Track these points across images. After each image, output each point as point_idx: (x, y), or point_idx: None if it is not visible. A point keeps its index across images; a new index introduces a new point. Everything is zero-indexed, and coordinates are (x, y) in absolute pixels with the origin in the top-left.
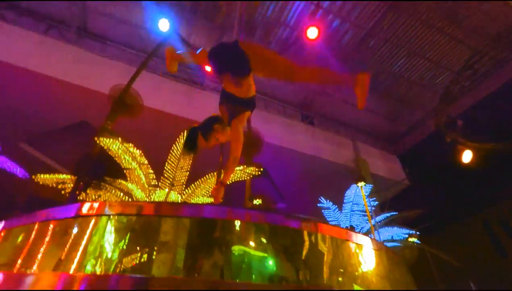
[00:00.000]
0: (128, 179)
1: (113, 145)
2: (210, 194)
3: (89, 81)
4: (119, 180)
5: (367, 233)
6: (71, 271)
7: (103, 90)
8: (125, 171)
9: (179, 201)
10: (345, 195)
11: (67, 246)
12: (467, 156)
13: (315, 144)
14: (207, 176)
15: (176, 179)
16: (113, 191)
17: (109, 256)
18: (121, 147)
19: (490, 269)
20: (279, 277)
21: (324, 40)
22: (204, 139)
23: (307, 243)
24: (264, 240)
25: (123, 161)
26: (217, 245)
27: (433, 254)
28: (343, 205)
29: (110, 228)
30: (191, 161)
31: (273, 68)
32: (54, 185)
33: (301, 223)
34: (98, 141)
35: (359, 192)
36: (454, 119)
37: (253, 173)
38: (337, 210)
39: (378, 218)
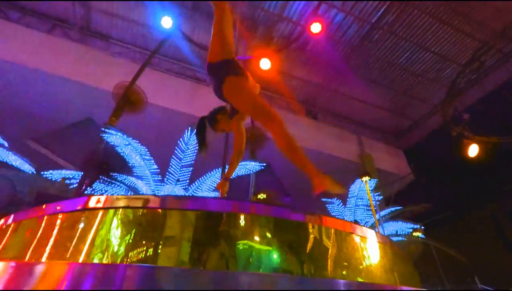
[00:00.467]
0: (134, 174)
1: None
2: (215, 188)
3: (93, 79)
4: (125, 176)
5: (371, 228)
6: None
7: (107, 88)
8: (130, 167)
9: None
10: (350, 189)
11: (75, 239)
12: (473, 150)
13: (319, 139)
14: (211, 171)
15: (181, 175)
16: (119, 187)
17: (116, 249)
18: (126, 143)
19: (497, 264)
20: (284, 270)
21: (328, 35)
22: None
23: (311, 236)
24: (269, 233)
25: (128, 157)
26: (222, 238)
27: (438, 249)
28: (348, 199)
29: (117, 221)
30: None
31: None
32: (61, 181)
33: (305, 216)
34: (103, 138)
35: (364, 187)
36: (461, 113)
37: (257, 168)
38: (341, 204)
39: (383, 213)
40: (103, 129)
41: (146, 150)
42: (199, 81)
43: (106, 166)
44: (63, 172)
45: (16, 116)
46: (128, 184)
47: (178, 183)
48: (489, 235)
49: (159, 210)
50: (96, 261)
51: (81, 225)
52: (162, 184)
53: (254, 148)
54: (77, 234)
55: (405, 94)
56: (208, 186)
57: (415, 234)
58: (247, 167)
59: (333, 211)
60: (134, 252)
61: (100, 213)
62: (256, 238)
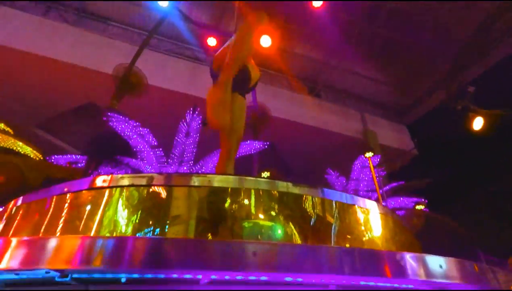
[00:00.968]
0: (138, 157)
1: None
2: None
3: (92, 62)
4: (129, 158)
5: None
6: None
7: (107, 71)
8: (134, 149)
9: None
10: (353, 165)
11: (84, 218)
12: (478, 123)
13: (323, 117)
14: (215, 151)
15: (185, 156)
16: (124, 170)
17: (123, 230)
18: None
19: (497, 238)
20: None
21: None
22: None
23: (314, 209)
24: (272, 207)
25: (132, 140)
26: (227, 214)
27: (440, 222)
28: (350, 175)
29: (123, 200)
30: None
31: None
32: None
33: (308, 189)
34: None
35: (367, 163)
36: (465, 86)
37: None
38: (344, 181)
39: (386, 188)
40: (105, 113)
41: (149, 132)
42: (199, 61)
43: (111, 149)
44: (69, 156)
45: (18, 103)
46: (133, 166)
47: (182, 163)
48: (490, 209)
49: (164, 188)
50: None
51: (89, 203)
52: (166, 165)
53: (258, 127)
54: (86, 213)
55: (409, 69)
56: (212, 166)
57: (418, 207)
58: (251, 147)
59: (336, 187)
60: (142, 233)
61: (107, 192)
62: (260, 213)
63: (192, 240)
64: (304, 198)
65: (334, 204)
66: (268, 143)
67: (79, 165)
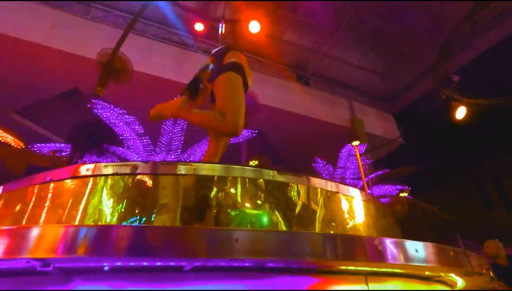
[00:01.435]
0: (124, 145)
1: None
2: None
3: (74, 46)
4: (115, 146)
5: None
6: None
7: (91, 56)
8: (120, 138)
9: None
10: (340, 154)
11: (68, 208)
12: (460, 112)
13: (311, 105)
14: (203, 139)
15: (172, 144)
16: (110, 158)
17: (108, 220)
18: (115, 113)
19: (479, 223)
20: None
21: None
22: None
23: (299, 197)
24: (258, 196)
25: (118, 128)
26: (213, 202)
27: (423, 209)
28: (337, 163)
29: (108, 189)
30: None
31: None
32: (51, 154)
33: (293, 177)
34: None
35: (353, 151)
36: (450, 75)
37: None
38: (331, 169)
39: (371, 176)
40: (90, 100)
41: (135, 119)
42: (186, 47)
43: (96, 137)
44: (52, 145)
45: None
46: (119, 155)
47: (169, 152)
48: (473, 195)
49: (150, 177)
50: None
51: (73, 193)
52: (154, 154)
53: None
54: (70, 202)
55: (396, 58)
56: (200, 155)
57: (401, 194)
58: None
59: (323, 175)
60: (127, 222)
61: (91, 181)
62: (246, 201)
63: (175, 227)
64: (289, 186)
65: (318, 192)
66: (256, 131)
67: (63, 153)
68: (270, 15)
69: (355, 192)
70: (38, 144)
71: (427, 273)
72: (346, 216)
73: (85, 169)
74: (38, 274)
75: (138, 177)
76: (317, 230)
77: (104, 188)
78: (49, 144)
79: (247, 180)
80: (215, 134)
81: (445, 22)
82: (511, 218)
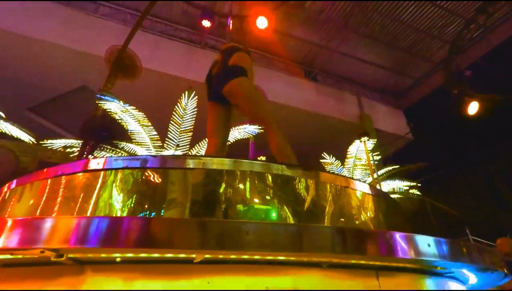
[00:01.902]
0: (133, 141)
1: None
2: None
3: (83, 44)
4: (124, 142)
5: None
6: None
7: (99, 53)
8: (129, 133)
9: None
10: (349, 150)
11: (79, 201)
12: (473, 108)
13: (319, 101)
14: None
15: (181, 140)
16: (119, 153)
17: (119, 214)
18: (124, 109)
19: (489, 221)
20: None
21: None
22: None
23: (308, 192)
24: (267, 190)
25: (127, 124)
26: (222, 197)
27: (433, 205)
28: (346, 160)
29: (117, 183)
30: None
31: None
32: (62, 149)
33: (302, 172)
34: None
35: (362, 147)
36: (462, 70)
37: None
38: (340, 165)
39: (380, 172)
40: (99, 96)
41: (144, 116)
42: (194, 43)
43: (106, 133)
44: (64, 140)
45: (9, 86)
46: (128, 150)
47: (178, 148)
48: (484, 192)
49: (159, 171)
50: None
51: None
52: (162, 149)
53: None
54: (81, 197)
55: (406, 53)
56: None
57: (411, 191)
58: (246, 130)
59: (332, 171)
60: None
61: (101, 175)
62: (255, 195)
63: (186, 219)
64: (298, 181)
65: (328, 187)
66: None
67: (74, 149)
68: (278, 11)
69: (365, 187)
70: (50, 140)
71: (439, 268)
72: (356, 211)
73: (96, 163)
74: (51, 264)
75: (148, 171)
76: (326, 224)
77: (114, 182)
78: (60, 140)
79: (256, 174)
80: (215, 133)
81: (456, 17)
82: None
